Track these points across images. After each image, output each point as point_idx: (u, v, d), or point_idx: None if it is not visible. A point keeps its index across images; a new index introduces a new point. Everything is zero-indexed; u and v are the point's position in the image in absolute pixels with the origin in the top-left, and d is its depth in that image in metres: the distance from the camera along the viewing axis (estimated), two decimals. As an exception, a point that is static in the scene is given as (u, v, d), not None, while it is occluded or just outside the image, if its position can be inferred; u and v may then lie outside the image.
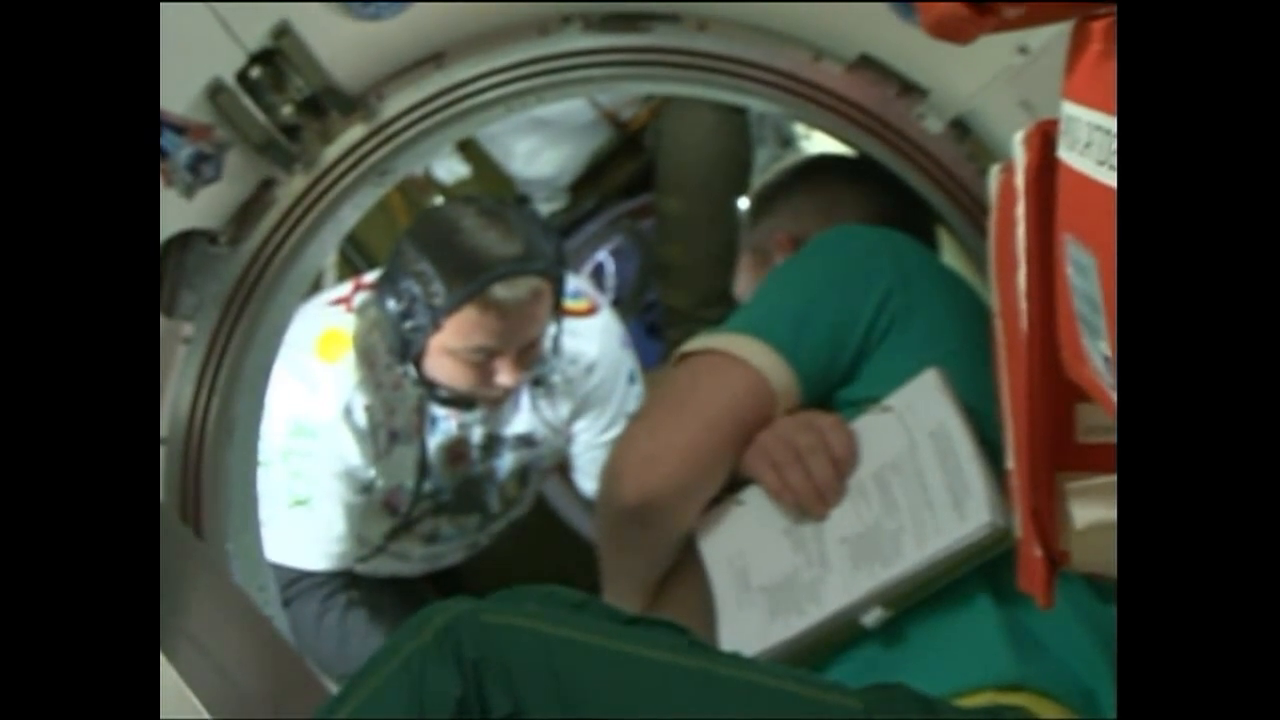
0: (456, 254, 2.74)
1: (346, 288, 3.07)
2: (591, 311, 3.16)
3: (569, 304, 3.00)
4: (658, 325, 3.83)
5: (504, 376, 2.85)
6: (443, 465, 3.06)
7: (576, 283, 3.18)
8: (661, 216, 3.60)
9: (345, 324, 2.96)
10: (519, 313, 2.78)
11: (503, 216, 2.77)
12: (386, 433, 3.00)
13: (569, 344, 3.04)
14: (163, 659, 1.44)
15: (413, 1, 2.05)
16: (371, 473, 3.01)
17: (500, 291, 2.74)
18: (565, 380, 3.11)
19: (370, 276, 3.06)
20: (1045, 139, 1.25)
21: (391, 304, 2.79)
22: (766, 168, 3.47)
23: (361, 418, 2.95)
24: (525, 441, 3.15)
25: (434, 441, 3.04)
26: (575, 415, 3.20)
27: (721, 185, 3.44)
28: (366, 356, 2.94)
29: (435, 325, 2.76)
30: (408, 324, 2.79)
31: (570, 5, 2.10)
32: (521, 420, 3.11)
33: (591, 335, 3.13)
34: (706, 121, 3.42)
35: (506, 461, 3.14)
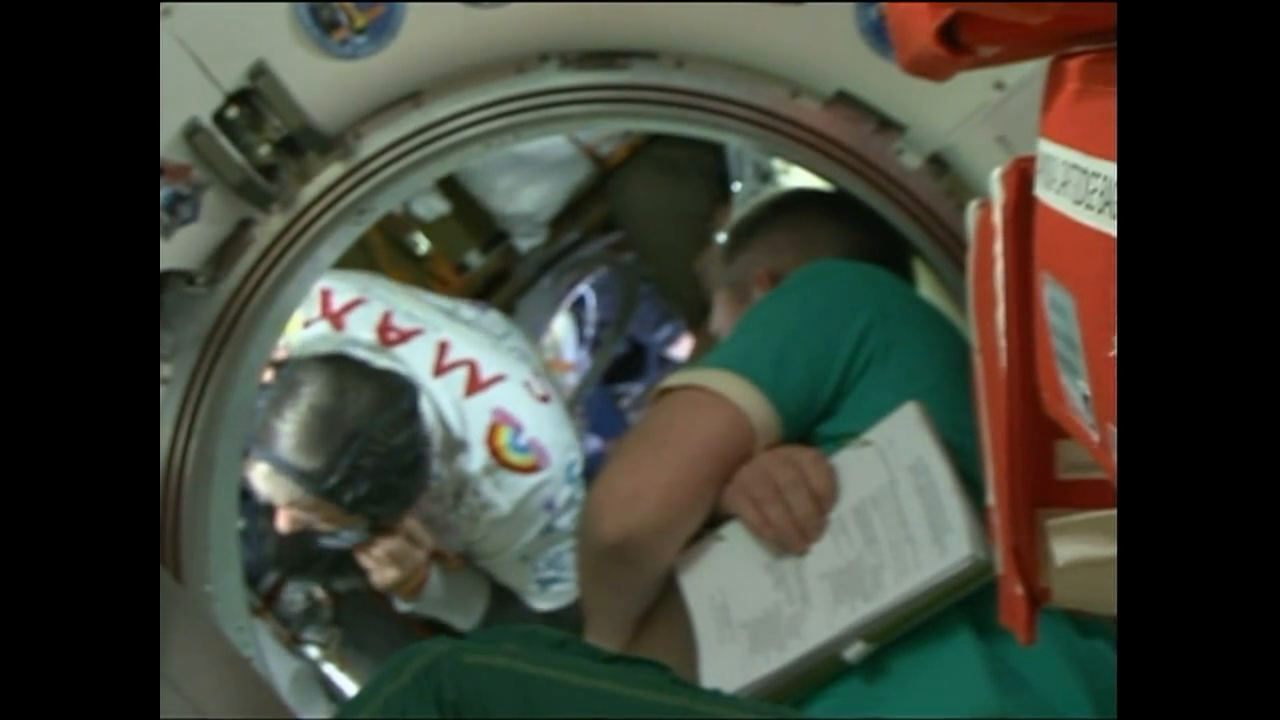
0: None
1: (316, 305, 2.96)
2: (532, 470, 2.97)
3: (512, 457, 2.93)
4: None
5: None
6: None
7: (532, 434, 2.98)
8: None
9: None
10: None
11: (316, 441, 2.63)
12: None
13: (489, 493, 2.94)
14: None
15: (389, 40, 2.05)
16: None
17: None
18: (470, 518, 2.96)
19: (340, 296, 2.97)
20: (1022, 177, 1.25)
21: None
22: (744, 202, 3.48)
23: None
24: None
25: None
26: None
27: (685, 242, 3.48)
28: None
29: None
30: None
31: (547, 43, 2.10)
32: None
33: (513, 492, 2.95)
34: (642, 192, 3.48)
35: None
